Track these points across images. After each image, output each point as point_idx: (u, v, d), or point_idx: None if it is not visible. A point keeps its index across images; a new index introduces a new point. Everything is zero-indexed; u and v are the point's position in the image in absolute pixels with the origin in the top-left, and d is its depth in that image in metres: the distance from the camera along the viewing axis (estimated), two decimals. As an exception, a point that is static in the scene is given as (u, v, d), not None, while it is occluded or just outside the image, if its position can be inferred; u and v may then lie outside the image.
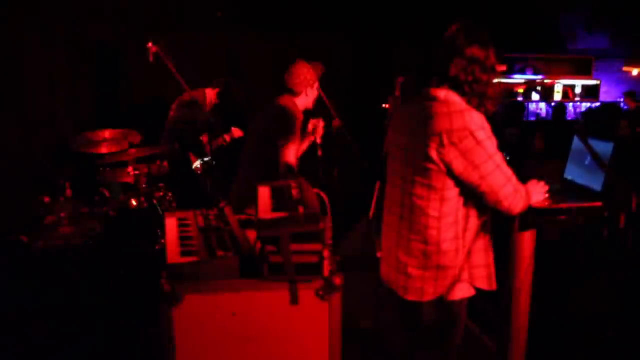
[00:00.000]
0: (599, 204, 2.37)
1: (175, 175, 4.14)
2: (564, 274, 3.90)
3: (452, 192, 1.96)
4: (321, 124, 3.42)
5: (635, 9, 7.85)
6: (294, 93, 3.22)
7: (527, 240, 2.37)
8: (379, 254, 2.61)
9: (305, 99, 3.27)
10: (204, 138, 4.31)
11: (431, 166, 1.93)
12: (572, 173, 2.75)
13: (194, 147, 4.42)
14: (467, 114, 1.90)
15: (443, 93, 1.97)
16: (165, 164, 3.96)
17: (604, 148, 2.51)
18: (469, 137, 1.87)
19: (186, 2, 5.88)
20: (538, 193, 2.18)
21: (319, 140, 3.43)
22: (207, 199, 4.08)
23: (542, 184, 2.22)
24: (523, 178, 2.09)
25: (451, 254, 2.00)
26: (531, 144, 5.34)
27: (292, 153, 3.05)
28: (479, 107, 1.97)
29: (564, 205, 2.31)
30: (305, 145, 3.43)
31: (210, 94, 4.72)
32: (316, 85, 3.29)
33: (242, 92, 4.85)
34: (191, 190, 4.30)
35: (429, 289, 2.02)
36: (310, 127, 3.41)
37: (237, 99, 4.82)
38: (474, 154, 1.88)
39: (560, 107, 7.70)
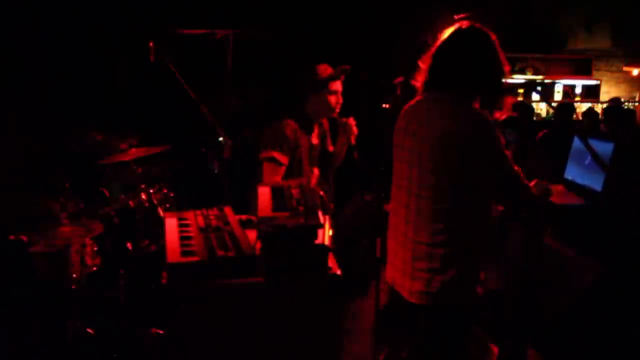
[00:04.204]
0: (599, 204, 2.37)
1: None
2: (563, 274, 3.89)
3: (461, 192, 1.94)
4: (353, 121, 3.10)
5: (636, 9, 7.85)
6: None
7: (527, 240, 2.37)
8: (379, 254, 2.60)
9: None
10: None
11: (440, 166, 1.92)
12: (572, 173, 2.75)
13: None
14: (477, 113, 1.91)
15: (451, 94, 1.97)
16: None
17: (604, 148, 2.51)
18: (480, 136, 1.87)
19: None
20: (539, 192, 2.18)
21: (352, 141, 3.11)
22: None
23: (543, 183, 2.22)
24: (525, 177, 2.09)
25: (459, 256, 1.97)
26: (532, 143, 5.34)
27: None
28: (484, 110, 1.96)
29: (564, 205, 2.31)
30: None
31: None
32: None
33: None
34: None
35: (434, 291, 1.99)
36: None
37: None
38: (484, 153, 1.88)
39: (565, 107, 7.67)
